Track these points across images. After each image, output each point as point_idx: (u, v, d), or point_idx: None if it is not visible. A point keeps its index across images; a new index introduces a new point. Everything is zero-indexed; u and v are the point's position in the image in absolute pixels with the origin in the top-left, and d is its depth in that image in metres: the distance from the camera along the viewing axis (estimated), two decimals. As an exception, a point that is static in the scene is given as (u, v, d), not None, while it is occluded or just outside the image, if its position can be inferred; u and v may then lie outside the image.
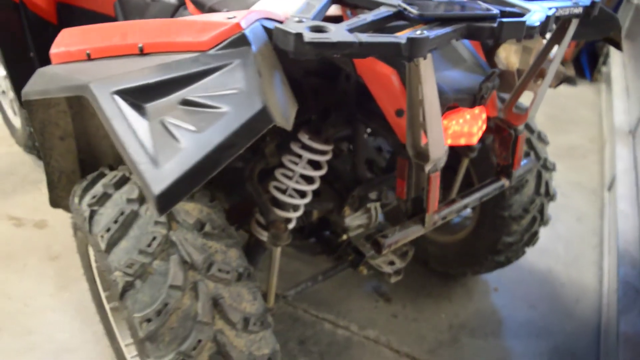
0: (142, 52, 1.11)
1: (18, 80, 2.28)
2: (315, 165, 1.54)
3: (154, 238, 1.28)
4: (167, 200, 0.90)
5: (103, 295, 1.79)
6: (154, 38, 1.11)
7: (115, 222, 1.31)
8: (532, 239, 2.06)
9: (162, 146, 0.94)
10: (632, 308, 1.85)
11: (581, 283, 2.44)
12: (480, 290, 2.35)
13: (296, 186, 1.52)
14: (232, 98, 0.94)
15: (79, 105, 1.63)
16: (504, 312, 2.28)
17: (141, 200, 1.35)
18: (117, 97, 1.02)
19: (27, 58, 2.24)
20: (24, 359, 1.91)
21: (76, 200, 1.47)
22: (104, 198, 1.38)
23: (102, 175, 1.50)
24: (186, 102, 0.97)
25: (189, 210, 1.37)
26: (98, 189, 1.42)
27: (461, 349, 2.11)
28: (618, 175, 2.53)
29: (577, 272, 2.49)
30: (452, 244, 2.18)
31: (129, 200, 1.35)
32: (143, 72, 1.03)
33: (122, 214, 1.32)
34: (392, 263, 1.80)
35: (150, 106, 1.00)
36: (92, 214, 1.37)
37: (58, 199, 1.81)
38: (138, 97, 1.02)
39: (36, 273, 2.24)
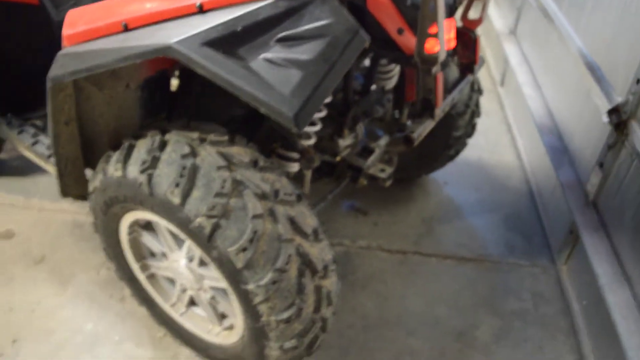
0: (202, 10, 1.23)
1: None
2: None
3: (224, 180, 1.42)
4: (301, 119, 1.08)
5: (136, 266, 1.85)
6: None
7: (182, 176, 1.43)
8: (473, 130, 2.46)
9: (277, 78, 1.10)
10: (563, 162, 2.33)
11: (506, 163, 2.94)
12: (434, 187, 2.75)
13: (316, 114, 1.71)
14: (327, 28, 1.12)
15: (77, 89, 1.65)
16: (458, 199, 2.69)
17: (194, 153, 1.47)
18: (207, 49, 1.15)
19: None
20: (60, 358, 1.93)
21: (116, 173, 1.53)
22: (154, 161, 1.48)
23: (132, 146, 1.57)
24: (283, 39, 1.13)
25: (237, 152, 1.52)
26: (143, 156, 1.50)
27: (437, 235, 2.49)
28: (514, 68, 3.03)
29: (499, 155, 2.98)
30: (409, 151, 2.51)
31: (183, 156, 1.46)
32: (225, 24, 1.16)
33: (184, 168, 1.44)
34: (383, 170, 2.09)
35: (244, 50, 1.15)
36: (150, 177, 1.46)
37: (67, 188, 1.83)
38: (228, 45, 1.15)
39: (28, 280, 2.19)
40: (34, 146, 2.10)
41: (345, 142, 1.97)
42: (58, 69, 1.41)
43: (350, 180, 2.05)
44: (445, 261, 2.38)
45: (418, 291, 2.24)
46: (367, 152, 2.07)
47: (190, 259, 1.64)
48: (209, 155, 1.48)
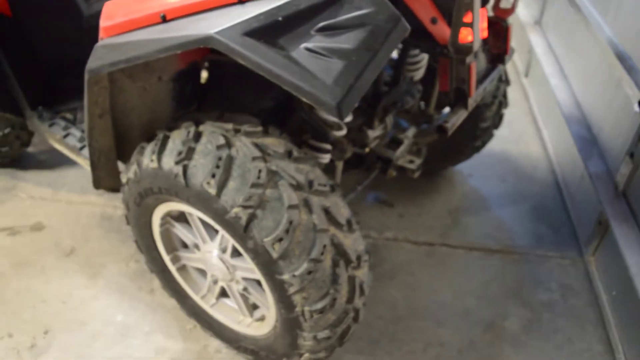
0: (241, 1, 1.23)
1: None
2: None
3: (260, 171, 1.43)
4: (344, 108, 1.08)
5: (167, 258, 1.87)
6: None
7: (218, 167, 1.43)
8: (500, 121, 2.44)
9: (319, 67, 1.10)
10: (592, 154, 2.31)
11: (531, 154, 2.92)
12: (458, 178, 2.73)
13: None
14: (368, 17, 1.12)
15: (111, 82, 1.67)
16: (484, 191, 2.68)
17: (229, 144, 1.48)
18: (248, 38, 1.16)
19: None
20: (94, 349, 1.95)
21: (152, 165, 1.54)
22: (190, 152, 1.48)
23: (166, 137, 1.58)
24: (324, 28, 1.13)
25: (271, 143, 1.53)
26: (178, 147, 1.51)
27: (464, 227, 2.48)
28: (540, 58, 3.00)
29: (525, 146, 2.96)
30: (436, 143, 2.51)
31: (219, 147, 1.47)
32: (266, 14, 1.16)
33: (220, 159, 1.45)
34: (412, 161, 2.08)
35: (284, 40, 1.15)
36: (185, 168, 1.47)
37: (100, 180, 1.85)
38: (269, 34, 1.15)
39: (59, 272, 2.22)
40: (65, 139, 2.12)
41: (374, 133, 1.97)
42: (96, 60, 1.42)
43: (379, 171, 2.05)
44: (473, 252, 2.38)
45: (446, 282, 2.24)
46: (395, 143, 2.07)
47: (223, 250, 1.66)
48: (244, 146, 1.49)
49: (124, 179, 1.73)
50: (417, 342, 2.03)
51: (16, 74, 2.15)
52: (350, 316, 1.58)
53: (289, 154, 1.52)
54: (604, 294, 2.15)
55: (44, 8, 2.24)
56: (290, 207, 1.42)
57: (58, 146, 2.19)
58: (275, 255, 1.40)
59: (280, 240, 1.39)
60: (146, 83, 1.70)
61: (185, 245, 1.87)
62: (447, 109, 2.33)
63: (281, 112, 1.92)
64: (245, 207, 1.40)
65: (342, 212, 1.53)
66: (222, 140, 1.48)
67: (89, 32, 2.30)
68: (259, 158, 1.46)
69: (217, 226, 1.55)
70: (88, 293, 2.15)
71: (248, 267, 1.61)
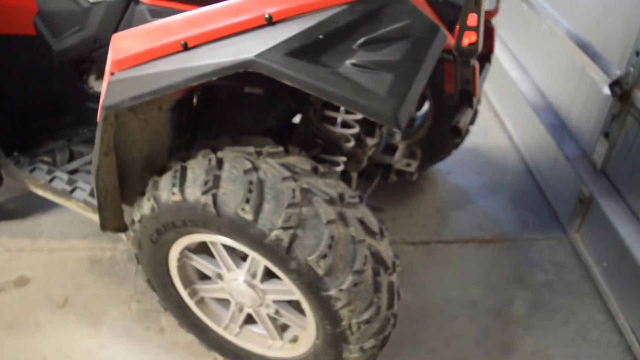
0: (271, 22, 1.23)
1: None
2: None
3: (294, 190, 1.43)
4: (402, 118, 1.10)
5: (184, 293, 1.81)
6: (281, 5, 1.23)
7: (250, 191, 1.42)
8: (475, 116, 2.55)
9: (370, 81, 1.12)
10: (564, 138, 2.46)
11: (499, 145, 3.06)
12: (439, 177, 2.82)
13: (348, 117, 1.74)
14: (408, 28, 1.15)
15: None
16: (464, 185, 2.78)
17: (255, 168, 1.47)
18: (292, 59, 1.16)
19: None
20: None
21: (173, 198, 1.50)
22: (216, 180, 1.46)
23: (184, 168, 1.54)
24: (366, 43, 1.15)
25: (296, 162, 1.53)
26: (202, 176, 1.47)
27: (454, 222, 2.56)
28: (496, 55, 3.15)
29: (492, 139, 3.10)
30: (415, 143, 2.58)
31: (246, 172, 1.45)
32: (306, 33, 1.16)
33: (250, 183, 1.43)
34: (409, 165, 2.14)
35: (328, 57, 1.16)
36: (215, 197, 1.44)
37: (107, 221, 1.77)
38: (312, 53, 1.16)
39: (55, 325, 2.09)
40: (51, 183, 2.01)
41: (372, 141, 2.01)
42: (114, 96, 1.36)
43: (381, 178, 2.09)
44: (467, 245, 2.46)
45: (450, 277, 2.30)
46: (391, 149, 2.12)
47: (253, 276, 1.63)
48: (271, 168, 1.48)
49: (136, 217, 1.66)
50: (437, 340, 2.07)
51: (-14, 120, 2.03)
52: (391, 322, 1.60)
53: (315, 170, 1.52)
54: (595, 267, 2.29)
55: (10, 47, 2.12)
56: (329, 222, 1.42)
57: (42, 192, 2.07)
58: (321, 272, 1.40)
59: (324, 256, 1.39)
60: (147, 115, 1.65)
61: (202, 277, 1.82)
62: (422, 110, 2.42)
63: (282, 132, 1.92)
64: (285, 228, 1.39)
65: (372, 220, 1.55)
66: (248, 164, 1.47)
67: (60, 68, 2.21)
68: (289, 178, 1.46)
69: (249, 252, 1.53)
70: (93, 343, 2.03)
71: (283, 290, 1.59)
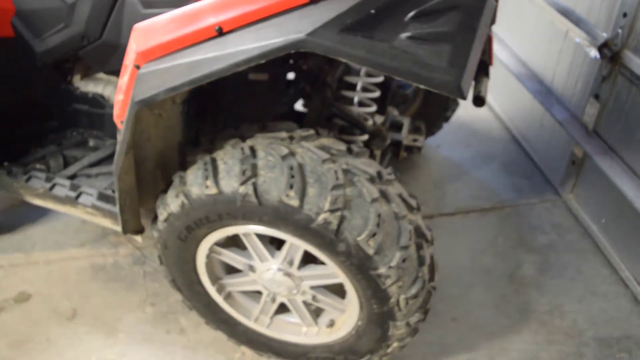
0: (313, 0, 1.19)
1: None
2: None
3: (336, 172, 1.41)
4: (465, 88, 1.11)
5: (212, 290, 1.76)
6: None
7: (292, 177, 1.39)
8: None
9: (428, 53, 1.11)
10: (552, 103, 2.54)
11: (481, 116, 3.13)
12: (430, 151, 2.86)
13: (369, 95, 1.73)
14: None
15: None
16: (455, 157, 2.83)
17: (292, 153, 1.44)
18: (347, 35, 1.13)
19: None
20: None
21: (208, 191, 1.45)
22: (253, 169, 1.42)
23: (213, 160, 1.49)
24: (417, 15, 1.13)
25: (330, 143, 1.50)
26: (236, 166, 1.43)
27: (452, 194, 2.61)
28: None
29: (473, 110, 3.13)
30: (410, 116, 2.59)
31: (284, 157, 1.42)
32: (357, 9, 1.14)
33: (291, 168, 1.40)
34: (415, 140, 2.15)
35: (381, 32, 1.14)
36: (255, 186, 1.40)
37: (127, 224, 1.70)
38: (365, 28, 1.14)
39: (68, 339, 1.99)
40: (52, 191, 1.90)
41: (380, 119, 2.01)
42: (147, 90, 1.29)
43: (392, 155, 2.09)
44: (469, 215, 2.51)
45: (459, 248, 2.34)
46: (396, 126, 2.12)
47: (290, 263, 1.60)
48: (307, 151, 1.45)
49: (161, 216, 1.60)
50: (457, 309, 2.11)
51: (-29, 131, 1.89)
52: (432, 294, 1.61)
53: (349, 151, 1.51)
54: (593, 224, 2.39)
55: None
56: (373, 200, 1.41)
57: (40, 202, 1.95)
58: (371, 251, 1.39)
59: (373, 235, 1.39)
60: (162, 109, 1.59)
61: (230, 271, 1.77)
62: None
63: (294, 116, 1.89)
64: (332, 210, 1.37)
65: (408, 195, 1.56)
66: (284, 150, 1.44)
67: (42, 70, 2.08)
68: (328, 160, 1.44)
69: (288, 239, 1.50)
70: (112, 352, 1.95)
71: (323, 274, 1.57)
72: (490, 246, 2.36)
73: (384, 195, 1.45)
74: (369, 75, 1.80)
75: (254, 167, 1.42)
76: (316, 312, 1.77)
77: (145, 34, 1.34)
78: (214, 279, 1.76)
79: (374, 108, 1.76)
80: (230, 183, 1.43)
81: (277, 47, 1.17)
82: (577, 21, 2.31)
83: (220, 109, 1.89)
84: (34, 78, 2.10)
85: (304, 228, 1.40)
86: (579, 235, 2.42)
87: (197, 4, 1.31)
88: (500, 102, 3.09)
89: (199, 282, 1.75)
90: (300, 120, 1.85)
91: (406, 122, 2.09)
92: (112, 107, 2.13)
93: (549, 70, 2.62)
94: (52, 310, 2.08)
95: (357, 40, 1.13)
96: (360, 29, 1.14)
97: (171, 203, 1.55)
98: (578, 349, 1.99)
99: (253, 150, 1.47)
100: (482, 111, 3.18)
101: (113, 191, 1.88)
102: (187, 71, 1.26)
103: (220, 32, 1.26)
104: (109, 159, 2.09)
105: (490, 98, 3.20)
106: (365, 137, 1.76)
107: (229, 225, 1.53)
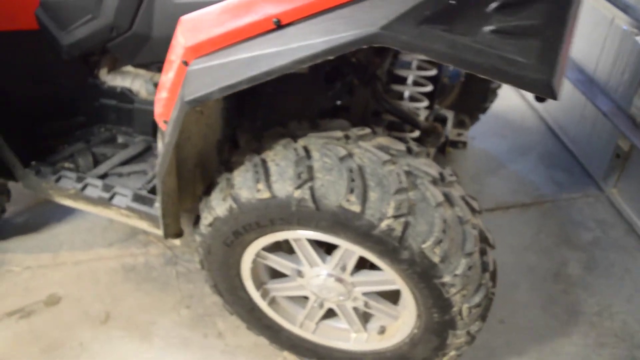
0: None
1: None
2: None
3: (398, 174, 1.32)
4: (557, 86, 1.01)
5: (256, 295, 1.68)
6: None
7: (352, 180, 1.30)
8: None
9: (514, 48, 1.01)
10: (595, 93, 2.43)
11: (515, 107, 3.03)
12: (464, 144, 2.77)
13: (421, 89, 1.63)
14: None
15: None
16: (491, 150, 2.74)
17: (350, 154, 1.34)
18: (427, 29, 1.03)
19: None
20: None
21: (260, 195, 1.36)
22: (309, 172, 1.33)
23: (264, 161, 1.40)
24: (501, 7, 1.03)
25: (388, 142, 1.41)
26: (290, 168, 1.34)
27: (491, 189, 2.52)
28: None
29: (506, 101, 3.05)
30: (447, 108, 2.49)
31: (342, 159, 1.33)
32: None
33: (351, 171, 1.31)
34: (460, 134, 2.05)
35: (463, 25, 1.04)
36: (312, 190, 1.31)
37: (169, 228, 1.61)
38: (445, 21, 1.04)
39: (102, 344, 1.91)
40: (84, 191, 1.81)
41: (424, 112, 1.91)
42: (199, 88, 1.20)
43: (438, 151, 2.00)
44: (510, 211, 2.42)
45: (502, 245, 2.25)
46: (440, 119, 2.03)
47: (342, 269, 1.51)
48: (366, 152, 1.36)
49: (205, 220, 1.51)
50: (504, 310, 2.03)
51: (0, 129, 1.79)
52: (492, 301, 1.53)
53: (409, 151, 1.41)
54: (639, 220, 2.29)
55: (10, 44, 1.88)
56: (438, 205, 1.32)
57: (71, 202, 1.87)
58: (436, 259, 1.30)
59: (439, 242, 1.30)
60: (204, 106, 1.49)
61: (274, 276, 1.69)
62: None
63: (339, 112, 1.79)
64: (397, 216, 1.28)
65: (468, 196, 1.47)
66: (342, 151, 1.34)
67: (68, 64, 1.98)
68: (389, 161, 1.34)
69: (343, 244, 1.41)
70: (148, 357, 1.88)
71: (379, 280, 1.49)
72: (534, 243, 2.28)
73: (448, 198, 1.37)
74: (420, 68, 1.70)
75: (310, 169, 1.33)
76: (365, 318, 1.69)
77: (194, 27, 1.24)
78: (258, 284, 1.68)
79: (425, 103, 1.66)
80: (284, 187, 1.34)
81: (348, 41, 1.07)
82: (624, 7, 2.20)
83: (259, 104, 1.79)
84: (59, 72, 2.01)
85: (364, 235, 1.32)
86: (624, 232, 2.33)
87: (251, -6, 1.21)
88: (535, 92, 2.98)
89: (243, 288, 1.67)
90: (340, 115, 1.75)
91: (450, 115, 2.00)
92: (141, 102, 2.04)
93: (591, 59, 2.51)
94: (84, 314, 2.00)
95: (437, 33, 1.03)
96: (439, 22, 1.04)
97: (217, 207, 1.46)
98: (631, 352, 1.91)
99: (307, 151, 1.37)
100: (515, 101, 3.07)
101: (148, 192, 1.80)
102: (244, 68, 1.17)
103: (279, 25, 1.16)
104: (139, 156, 2.01)
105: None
106: (417, 133, 1.66)
107: (280, 230, 1.44)
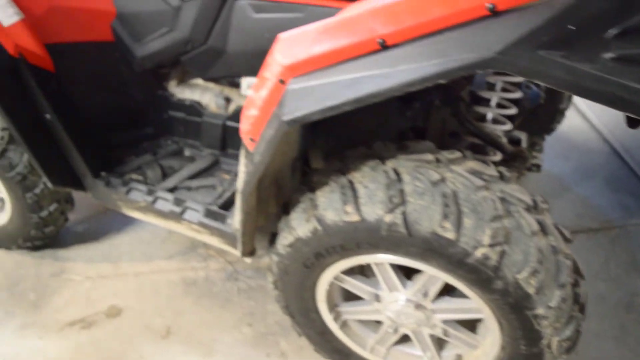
0: (495, 12, 1.05)
1: (39, 156, 1.78)
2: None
3: (493, 201, 1.27)
4: None
5: (329, 317, 1.64)
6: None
7: (447, 205, 1.25)
8: (570, 101, 2.42)
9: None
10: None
11: (577, 127, 2.95)
12: (526, 164, 2.70)
13: (504, 111, 1.58)
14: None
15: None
16: (555, 171, 2.67)
17: (442, 179, 1.30)
18: (544, 54, 0.99)
19: (42, 123, 1.76)
20: None
21: (349, 218, 1.32)
22: (401, 196, 1.29)
23: (351, 182, 1.36)
24: (623, 33, 0.98)
25: (479, 167, 1.36)
26: (379, 192, 1.30)
27: (556, 211, 2.44)
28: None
29: (568, 121, 2.96)
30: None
31: (435, 183, 1.29)
32: (554, 23, 0.99)
33: (444, 196, 1.26)
34: (534, 157, 1.99)
35: (582, 51, 0.99)
36: (404, 215, 1.27)
37: (246, 246, 1.59)
38: (561, 46, 0.99)
39: (163, 358, 1.89)
40: (155, 205, 1.80)
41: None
42: (299, 108, 1.17)
43: (516, 170, 1.94)
44: (578, 236, 2.34)
45: (570, 272, 2.18)
46: (514, 142, 1.97)
47: (424, 295, 1.47)
48: (458, 176, 1.32)
49: (285, 240, 1.48)
50: (576, 340, 1.95)
51: (72, 138, 1.80)
52: (580, 333, 1.46)
53: (502, 176, 1.37)
54: None
55: (86, 55, 1.89)
56: (533, 233, 1.27)
57: (140, 215, 1.86)
58: (531, 290, 1.25)
59: (535, 272, 1.25)
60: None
61: (348, 299, 1.65)
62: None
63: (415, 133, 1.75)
64: (493, 245, 1.23)
65: (559, 225, 1.41)
66: (435, 175, 1.30)
67: (140, 76, 1.99)
68: (483, 187, 1.30)
69: (430, 270, 1.37)
70: (210, 374, 1.85)
71: (462, 308, 1.44)
72: (603, 271, 2.20)
73: (542, 226, 1.31)
74: (504, 90, 1.65)
75: (401, 193, 1.29)
76: (439, 344, 1.64)
77: (293, 45, 1.22)
78: (331, 307, 1.64)
79: (509, 126, 1.61)
80: (373, 210, 1.30)
81: (461, 65, 1.03)
82: None
83: (334, 123, 1.76)
84: (130, 83, 2.01)
85: (457, 263, 1.27)
86: (700, 260, 2.23)
87: (352, 12, 1.19)
88: (598, 112, 2.90)
89: (316, 310, 1.63)
90: (415, 136, 1.72)
91: (524, 137, 1.94)
92: (209, 115, 2.03)
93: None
94: (145, 327, 1.99)
95: (555, 60, 0.99)
96: (557, 48, 0.99)
97: (299, 227, 1.43)
98: None
99: (397, 174, 1.34)
100: (577, 121, 3.00)
101: (219, 207, 1.78)
102: (347, 89, 1.14)
103: (384, 46, 1.13)
104: (207, 170, 2.00)
105: (584, 107, 3.01)
106: (499, 157, 1.61)
107: (364, 254, 1.40)
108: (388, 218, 1.28)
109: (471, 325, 1.56)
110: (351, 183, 1.37)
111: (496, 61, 1.01)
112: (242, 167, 1.48)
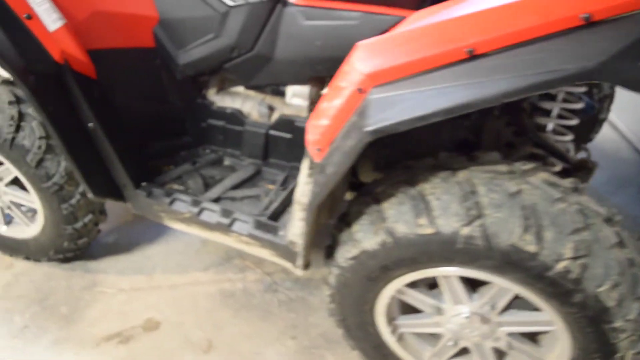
0: (589, 22, 1.03)
1: (81, 166, 1.73)
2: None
3: (573, 214, 1.24)
4: None
5: (386, 330, 1.60)
6: (604, 3, 1.03)
7: (527, 218, 1.22)
8: (608, 112, 2.41)
9: None
10: None
11: (607, 137, 2.95)
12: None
13: (565, 122, 1.56)
14: None
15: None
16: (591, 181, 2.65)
17: (519, 190, 1.27)
18: (642, 64, 0.97)
19: (85, 131, 1.72)
20: None
21: (422, 230, 1.29)
22: (477, 208, 1.26)
23: (422, 195, 1.33)
24: None
25: (553, 179, 1.34)
26: (453, 204, 1.27)
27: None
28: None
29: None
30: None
31: (512, 195, 1.26)
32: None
33: (524, 208, 1.24)
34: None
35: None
36: (483, 227, 1.24)
37: (306, 260, 1.55)
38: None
39: (206, 373, 1.84)
40: (200, 216, 1.75)
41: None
42: (383, 118, 1.14)
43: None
44: (615, 246, 2.32)
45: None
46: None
47: (492, 308, 1.43)
48: (534, 188, 1.29)
49: (348, 253, 1.44)
50: None
51: (115, 147, 1.75)
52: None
53: (575, 188, 1.34)
54: None
55: (126, 62, 1.85)
56: (612, 246, 1.25)
57: (184, 226, 1.81)
58: (611, 303, 1.22)
59: (616, 286, 1.22)
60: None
61: (404, 311, 1.62)
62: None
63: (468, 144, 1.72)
64: (574, 258, 1.20)
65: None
66: (513, 187, 1.27)
67: (180, 83, 1.95)
68: (560, 199, 1.27)
69: (501, 283, 1.34)
70: (255, 390, 1.81)
71: (533, 321, 1.41)
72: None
73: (620, 239, 1.29)
74: (565, 100, 1.63)
75: (478, 205, 1.26)
76: (499, 356, 1.61)
77: (374, 53, 1.19)
78: (389, 320, 1.60)
79: (570, 137, 1.59)
80: (449, 222, 1.27)
81: (561, 77, 1.01)
82: None
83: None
84: (170, 91, 1.97)
85: (536, 276, 1.24)
86: None
87: (432, 20, 1.16)
88: (628, 121, 2.90)
89: (373, 323, 1.59)
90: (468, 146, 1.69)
91: (571, 147, 1.92)
92: (251, 124, 1.99)
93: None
94: (185, 341, 1.93)
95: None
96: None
97: (365, 240, 1.39)
98: None
99: (471, 185, 1.31)
100: (607, 130, 2.99)
101: (269, 218, 1.73)
102: (436, 99, 1.11)
103: (472, 55, 1.11)
104: (249, 180, 1.95)
105: (613, 116, 3.01)
106: (559, 168, 1.59)
107: (433, 267, 1.37)
108: (465, 231, 1.25)
109: (530, 337, 1.53)
110: (422, 195, 1.33)
111: (598, 72, 0.99)
112: (305, 178, 1.45)
